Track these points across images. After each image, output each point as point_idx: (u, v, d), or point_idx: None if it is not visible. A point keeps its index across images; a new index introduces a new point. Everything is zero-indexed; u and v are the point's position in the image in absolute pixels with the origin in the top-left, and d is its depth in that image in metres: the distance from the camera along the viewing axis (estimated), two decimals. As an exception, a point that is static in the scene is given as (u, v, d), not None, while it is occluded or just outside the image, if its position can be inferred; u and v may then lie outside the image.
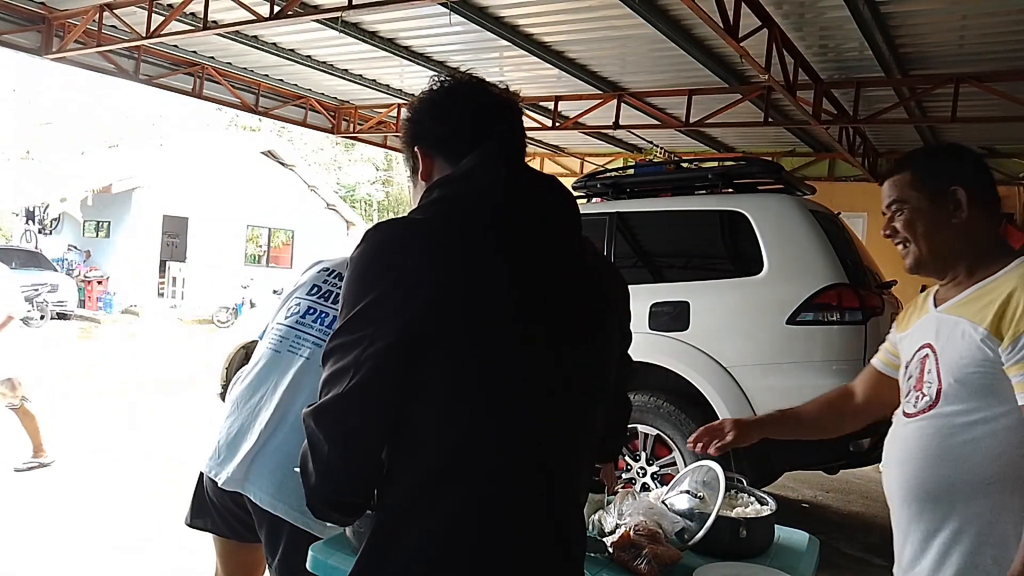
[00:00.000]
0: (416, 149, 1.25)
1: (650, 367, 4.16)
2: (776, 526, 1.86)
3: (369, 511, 1.14)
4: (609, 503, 1.87)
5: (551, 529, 1.14)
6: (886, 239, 1.61)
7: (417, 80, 8.32)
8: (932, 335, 1.51)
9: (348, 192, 30.74)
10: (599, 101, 8.11)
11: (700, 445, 1.83)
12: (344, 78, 8.41)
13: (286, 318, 2.01)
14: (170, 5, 6.50)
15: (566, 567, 1.18)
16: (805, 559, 1.81)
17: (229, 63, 8.47)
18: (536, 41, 6.59)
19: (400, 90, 8.94)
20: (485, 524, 1.08)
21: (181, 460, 5.37)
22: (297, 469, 1.13)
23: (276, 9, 5.85)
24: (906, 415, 1.54)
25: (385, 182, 32.83)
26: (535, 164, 11.07)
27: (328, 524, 1.58)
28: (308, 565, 1.58)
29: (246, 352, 5.63)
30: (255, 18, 5.97)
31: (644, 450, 4.27)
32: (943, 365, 1.46)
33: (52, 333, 13.26)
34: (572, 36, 6.48)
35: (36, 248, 17.35)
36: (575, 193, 4.83)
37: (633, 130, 8.81)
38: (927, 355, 1.51)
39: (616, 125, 8.19)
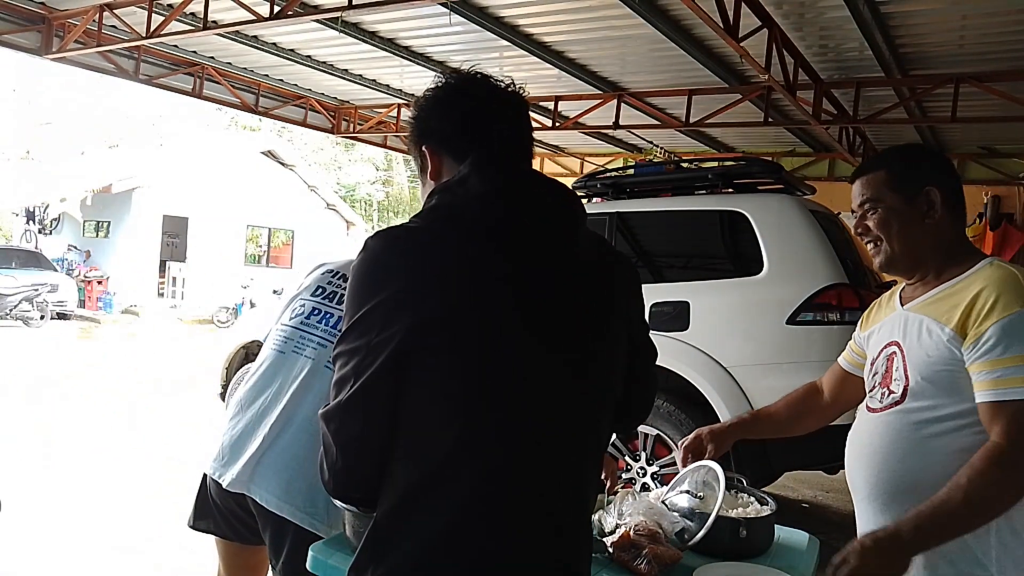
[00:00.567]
0: (423, 148, 1.25)
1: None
2: (776, 526, 1.86)
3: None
4: (609, 503, 1.87)
5: (552, 530, 1.14)
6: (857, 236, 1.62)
7: (417, 80, 8.32)
8: (899, 333, 1.53)
9: (348, 192, 30.74)
10: (599, 101, 8.12)
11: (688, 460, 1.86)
12: (344, 78, 8.41)
13: (290, 319, 2.01)
14: (170, 5, 6.50)
15: (567, 567, 1.18)
16: (805, 559, 1.81)
17: (229, 63, 8.47)
18: (536, 41, 6.59)
19: (400, 90, 8.94)
20: (484, 524, 1.08)
21: (181, 460, 5.38)
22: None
23: (276, 9, 5.86)
24: (871, 410, 1.57)
25: (385, 182, 32.83)
26: (535, 164, 11.05)
27: (337, 523, 1.61)
28: (308, 565, 1.58)
29: (246, 352, 5.62)
30: (255, 18, 5.97)
31: (644, 450, 4.27)
32: (910, 363, 1.48)
33: (52, 333, 13.26)
34: (572, 36, 6.48)
35: (36, 248, 17.36)
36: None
37: (633, 130, 8.81)
38: (894, 352, 1.53)
39: (616, 125, 8.20)
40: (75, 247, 18.63)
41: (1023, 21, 5.33)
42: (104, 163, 20.72)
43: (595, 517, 1.82)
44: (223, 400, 5.61)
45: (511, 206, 1.15)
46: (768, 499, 1.89)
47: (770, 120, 7.64)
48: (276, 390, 1.89)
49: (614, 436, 2.27)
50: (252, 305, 15.32)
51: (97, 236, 18.82)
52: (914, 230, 1.52)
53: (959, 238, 1.55)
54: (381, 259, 1.09)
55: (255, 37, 7.26)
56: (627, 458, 4.31)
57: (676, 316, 4.17)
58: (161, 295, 18.50)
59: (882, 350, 1.58)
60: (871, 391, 1.59)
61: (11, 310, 13.39)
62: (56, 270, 15.94)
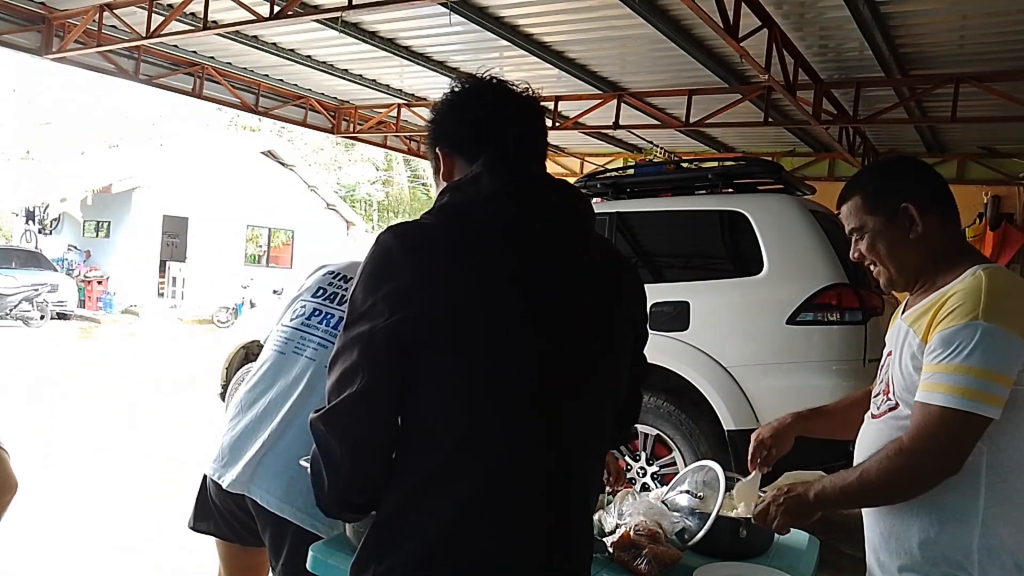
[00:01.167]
0: (438, 150, 1.27)
1: (650, 367, 4.15)
2: (776, 526, 1.86)
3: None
4: (609, 503, 1.87)
5: (554, 531, 1.14)
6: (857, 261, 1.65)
7: (417, 80, 8.32)
8: (894, 343, 1.56)
9: (348, 192, 30.73)
10: (599, 101, 8.11)
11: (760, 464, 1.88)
12: (344, 78, 8.41)
13: (291, 320, 2.01)
14: (170, 5, 6.50)
15: (568, 568, 1.18)
16: (805, 559, 1.81)
17: (229, 63, 8.47)
18: (536, 41, 6.59)
19: (400, 90, 8.94)
20: (486, 524, 1.08)
21: (181, 460, 5.38)
22: (306, 462, 1.15)
23: (276, 9, 5.85)
24: (872, 416, 1.59)
25: (385, 182, 32.82)
26: (535, 164, 11.02)
27: (337, 523, 1.60)
28: (308, 565, 1.58)
29: (246, 352, 5.62)
30: (255, 18, 5.97)
31: (644, 450, 4.27)
32: (895, 373, 1.51)
33: (52, 333, 13.26)
34: (572, 36, 6.48)
35: (36, 248, 17.35)
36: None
37: (633, 130, 8.81)
38: (888, 363, 1.56)
39: (616, 125, 8.19)
40: (75, 247, 18.63)
41: (1023, 21, 5.33)
42: (104, 163, 20.72)
43: (595, 517, 1.82)
44: (223, 400, 5.61)
45: (521, 207, 1.16)
46: (768, 499, 1.89)
47: (770, 120, 7.63)
48: (277, 391, 1.88)
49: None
50: (252, 305, 15.32)
51: (97, 236, 18.82)
52: (902, 248, 1.53)
53: (952, 242, 1.54)
54: (393, 253, 1.09)
55: (255, 37, 7.25)
56: (627, 458, 4.31)
57: (676, 316, 4.17)
58: (161, 295, 18.49)
59: (884, 359, 1.60)
60: (875, 397, 1.61)
61: (11, 310, 13.39)
62: (56, 270, 15.94)
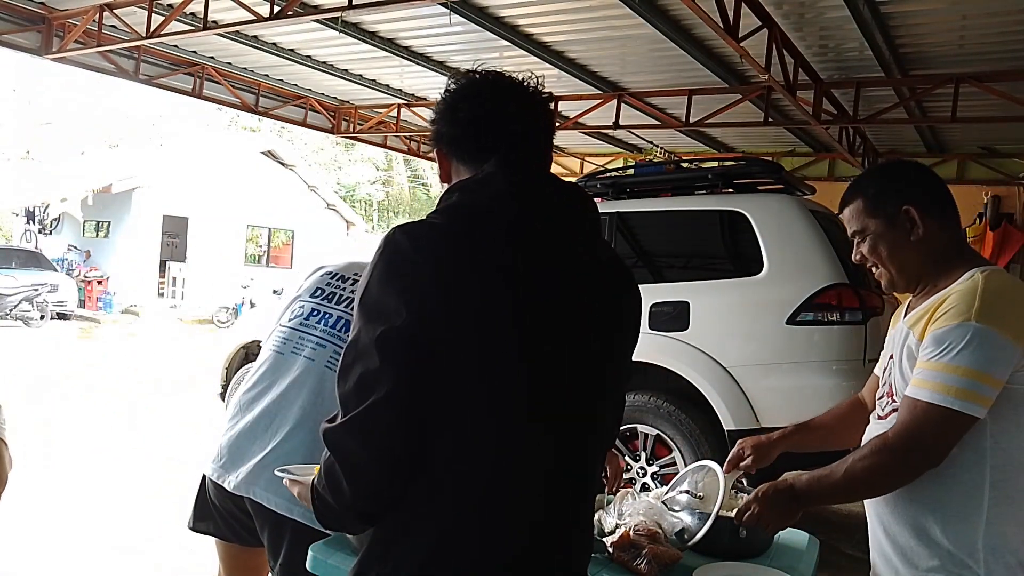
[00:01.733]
0: (436, 151, 1.27)
1: (650, 367, 4.16)
2: (776, 526, 1.86)
3: None
4: (609, 503, 1.87)
5: (555, 533, 1.14)
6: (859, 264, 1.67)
7: (417, 80, 8.32)
8: (895, 346, 1.57)
9: (348, 192, 30.73)
10: (599, 101, 8.11)
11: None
12: (344, 78, 8.41)
13: (289, 320, 2.01)
14: (170, 5, 6.50)
15: (568, 568, 1.18)
16: (805, 559, 1.81)
17: (229, 63, 8.47)
18: (536, 41, 6.59)
19: (400, 90, 8.94)
20: (486, 526, 1.08)
21: (181, 460, 5.38)
22: (282, 472, 1.13)
23: (276, 9, 5.85)
24: (878, 418, 1.60)
25: (385, 182, 32.82)
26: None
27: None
28: (308, 565, 1.58)
29: (246, 352, 5.62)
30: (255, 18, 5.97)
31: (644, 450, 4.27)
32: (896, 376, 1.53)
33: (52, 333, 13.26)
34: (572, 36, 6.48)
35: (36, 248, 17.35)
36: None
37: (633, 130, 8.81)
38: (891, 365, 1.58)
39: (616, 125, 8.19)
40: (75, 247, 18.63)
41: (1023, 21, 5.33)
42: (104, 163, 20.72)
43: (595, 517, 1.82)
44: (223, 400, 5.60)
45: (524, 207, 1.15)
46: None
47: (770, 120, 7.63)
48: (276, 391, 1.88)
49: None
50: (252, 305, 15.31)
51: (97, 236, 18.82)
52: (903, 250, 1.54)
53: (952, 244, 1.55)
54: (405, 252, 1.08)
55: (255, 37, 7.25)
56: (627, 458, 4.31)
57: (676, 316, 4.17)
58: (161, 295, 18.49)
59: (888, 362, 1.61)
60: (879, 399, 1.62)
61: (11, 310, 13.39)
62: (56, 270, 15.94)
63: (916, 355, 1.45)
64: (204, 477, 1.95)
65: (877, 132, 9.12)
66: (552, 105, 1.29)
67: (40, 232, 18.94)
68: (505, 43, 6.47)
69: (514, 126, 1.21)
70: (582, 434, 1.17)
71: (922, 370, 1.41)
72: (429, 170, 28.68)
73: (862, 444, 1.64)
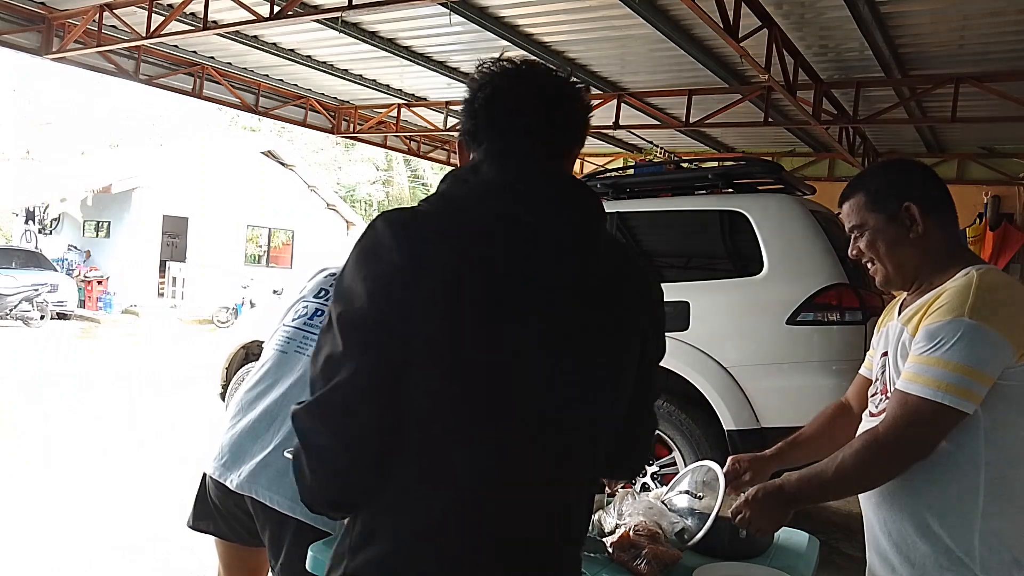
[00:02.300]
0: (458, 143, 1.24)
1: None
2: (776, 526, 1.86)
3: None
4: (609, 503, 1.87)
5: (533, 541, 1.09)
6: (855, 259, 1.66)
7: (417, 80, 8.32)
8: (890, 343, 1.57)
9: (348, 192, 30.72)
10: (599, 101, 8.11)
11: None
12: (344, 78, 8.42)
13: (293, 320, 2.02)
14: (170, 5, 6.50)
15: (546, 570, 1.12)
16: (805, 559, 1.81)
17: (229, 63, 8.48)
18: (536, 41, 6.59)
19: (400, 90, 8.94)
20: (446, 537, 1.04)
21: (181, 460, 5.37)
22: (290, 454, 1.10)
23: (276, 9, 5.86)
24: (871, 415, 1.61)
25: (385, 182, 32.80)
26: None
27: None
28: (308, 565, 1.58)
29: (246, 352, 5.62)
30: (255, 18, 5.97)
31: (644, 450, 4.27)
32: (891, 373, 1.53)
33: (52, 333, 13.26)
34: (572, 36, 6.48)
35: (36, 248, 17.34)
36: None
37: (633, 130, 8.81)
38: (885, 362, 1.58)
39: (616, 125, 8.19)
40: (75, 247, 18.63)
41: (1023, 21, 5.33)
42: (104, 163, 20.72)
43: (595, 517, 1.82)
44: (223, 400, 5.60)
45: (517, 201, 1.10)
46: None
47: (770, 120, 7.64)
48: (279, 390, 1.89)
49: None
50: (252, 305, 15.31)
51: (97, 236, 18.82)
52: (901, 247, 1.55)
53: (949, 244, 1.56)
54: (381, 236, 1.05)
55: (255, 37, 7.26)
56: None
57: (676, 316, 4.17)
58: (161, 295, 18.49)
59: (880, 359, 1.62)
60: (872, 396, 1.63)
61: (11, 310, 13.39)
62: (56, 270, 15.93)
63: (908, 347, 1.47)
64: (204, 476, 1.95)
65: (877, 132, 9.12)
66: (585, 101, 1.22)
67: (40, 232, 18.93)
68: (505, 43, 6.47)
69: (521, 117, 1.15)
70: (567, 439, 1.11)
71: (913, 364, 1.42)
72: (429, 170, 28.69)
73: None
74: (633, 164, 9.29)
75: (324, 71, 8.18)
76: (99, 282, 17.37)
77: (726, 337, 4.13)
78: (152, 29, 6.51)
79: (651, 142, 10.44)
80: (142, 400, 7.76)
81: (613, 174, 5.46)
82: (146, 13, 6.48)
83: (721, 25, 4.87)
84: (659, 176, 5.07)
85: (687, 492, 1.88)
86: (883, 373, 1.58)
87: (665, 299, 1.30)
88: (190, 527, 2.01)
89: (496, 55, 1.20)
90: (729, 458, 1.85)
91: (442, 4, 5.48)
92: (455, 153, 1.28)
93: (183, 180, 18.32)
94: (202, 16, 6.25)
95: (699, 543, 1.70)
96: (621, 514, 1.77)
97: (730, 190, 4.55)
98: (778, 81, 5.80)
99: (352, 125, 10.20)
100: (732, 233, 4.31)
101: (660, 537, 1.69)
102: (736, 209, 4.25)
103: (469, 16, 5.93)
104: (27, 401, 7.20)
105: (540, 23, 6.23)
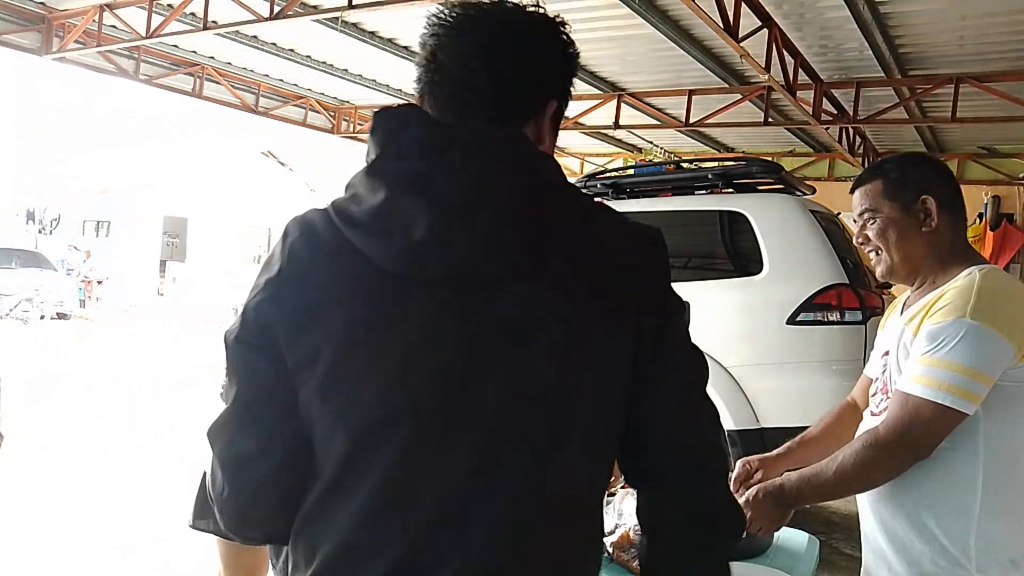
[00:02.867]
0: None
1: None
2: (776, 526, 1.86)
3: None
4: (609, 503, 1.87)
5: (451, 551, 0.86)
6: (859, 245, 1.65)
7: (417, 80, 8.31)
8: (893, 341, 1.56)
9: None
10: (599, 101, 8.12)
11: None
12: (344, 78, 8.42)
13: None
14: (170, 5, 6.50)
15: None
16: (805, 559, 1.81)
17: (229, 63, 8.48)
18: (536, 41, 6.58)
19: (400, 90, 8.94)
20: (367, 554, 0.87)
21: (181, 459, 5.37)
22: None
23: (276, 9, 5.86)
24: (872, 414, 1.60)
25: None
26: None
27: None
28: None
29: (246, 352, 5.62)
30: (255, 18, 5.97)
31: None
32: (894, 371, 1.52)
33: (52, 333, 13.26)
34: (572, 36, 6.47)
35: (36, 248, 17.35)
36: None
37: (633, 130, 8.81)
38: (886, 362, 1.57)
39: (616, 125, 8.20)
40: (75, 247, 18.63)
41: (1023, 21, 5.33)
42: (104, 163, 20.73)
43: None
44: (223, 400, 5.60)
45: (405, 189, 0.86)
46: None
47: (770, 120, 7.64)
48: None
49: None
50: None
51: (97, 236, 18.83)
52: (912, 239, 1.54)
53: (957, 243, 1.56)
54: (278, 242, 0.94)
55: (255, 37, 7.26)
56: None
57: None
58: (161, 295, 18.50)
59: (882, 358, 1.61)
60: (873, 395, 1.62)
61: (11, 310, 13.40)
62: (56, 270, 15.94)
63: (911, 350, 1.46)
64: (204, 475, 1.96)
65: (877, 132, 9.12)
66: (527, 22, 0.97)
67: (40, 232, 18.95)
68: (505, 43, 6.47)
69: (425, 62, 0.98)
70: (489, 457, 0.86)
71: (915, 365, 1.41)
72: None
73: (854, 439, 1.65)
74: (633, 164, 9.30)
75: (324, 71, 8.19)
76: (99, 282, 17.38)
77: (726, 337, 4.13)
78: (152, 29, 6.51)
79: (651, 142, 10.45)
80: (142, 400, 7.76)
81: (613, 174, 5.46)
82: (146, 13, 6.49)
83: (721, 25, 4.87)
84: (659, 176, 5.06)
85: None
86: (884, 372, 1.58)
87: None
88: (190, 526, 2.03)
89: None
90: (739, 461, 1.85)
91: (442, 4, 5.48)
92: None
93: (183, 180, 18.33)
94: (202, 16, 6.26)
95: (699, 543, 1.70)
96: (621, 514, 1.77)
97: (730, 190, 4.55)
98: (778, 81, 5.80)
99: (352, 125, 10.20)
100: (732, 233, 4.31)
101: (660, 537, 1.68)
102: (736, 209, 4.25)
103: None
104: (27, 401, 7.19)
105: (540, 23, 6.23)
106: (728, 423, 3.99)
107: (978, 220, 9.14)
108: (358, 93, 9.24)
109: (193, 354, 11.45)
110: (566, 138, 10.47)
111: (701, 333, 4.26)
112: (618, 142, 10.59)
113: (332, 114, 10.10)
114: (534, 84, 0.97)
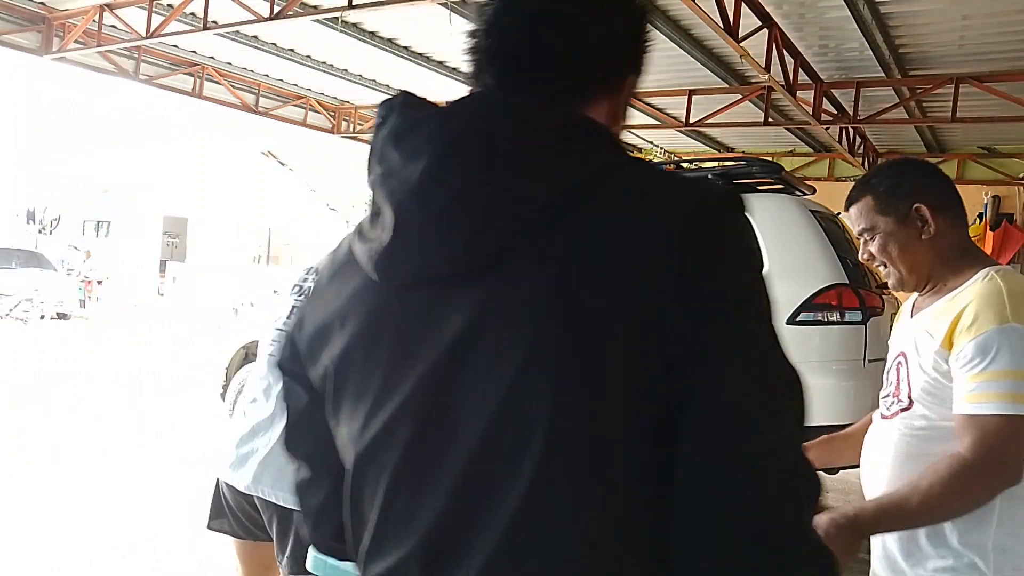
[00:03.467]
0: None
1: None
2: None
3: None
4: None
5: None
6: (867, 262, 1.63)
7: (417, 80, 8.32)
8: (907, 344, 1.55)
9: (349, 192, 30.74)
10: (599, 101, 8.11)
11: None
12: (344, 78, 8.42)
13: (284, 323, 2.13)
14: (170, 5, 6.50)
15: None
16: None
17: (229, 63, 8.48)
18: (536, 41, 6.58)
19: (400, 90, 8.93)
20: None
21: (181, 460, 5.37)
22: None
23: (276, 9, 5.86)
24: (883, 417, 1.58)
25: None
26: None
27: None
28: (308, 565, 1.58)
29: (246, 352, 5.62)
30: (255, 18, 5.97)
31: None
32: (912, 374, 1.50)
33: (52, 333, 13.26)
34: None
35: (36, 248, 17.35)
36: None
37: (633, 130, 8.81)
38: (901, 363, 1.55)
39: (616, 125, 8.18)
40: (75, 247, 18.63)
41: (1023, 21, 5.33)
42: (104, 163, 20.72)
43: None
44: (223, 400, 5.61)
45: (389, 177, 0.77)
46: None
47: (770, 120, 7.64)
48: (275, 391, 1.98)
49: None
50: (252, 305, 15.31)
51: (97, 236, 18.83)
52: (914, 249, 1.52)
53: (961, 243, 1.54)
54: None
55: (255, 37, 7.26)
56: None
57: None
58: (161, 295, 18.50)
59: (894, 360, 1.59)
60: (884, 398, 1.60)
61: (11, 310, 13.40)
62: (56, 270, 15.94)
63: (939, 358, 1.42)
64: (218, 479, 2.08)
65: (877, 132, 9.12)
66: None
67: (40, 232, 18.94)
68: (505, 43, 6.47)
69: (472, 50, 0.84)
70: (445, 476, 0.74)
71: (976, 384, 1.35)
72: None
73: (865, 444, 1.62)
74: (633, 164, 9.28)
75: (324, 71, 8.19)
76: (99, 282, 17.38)
77: (726, 337, 4.12)
78: (152, 29, 6.51)
79: (651, 142, 10.45)
80: (142, 400, 7.76)
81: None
82: (146, 13, 6.49)
83: (721, 25, 4.87)
84: (659, 176, 5.06)
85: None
86: (896, 375, 1.56)
87: None
88: (207, 527, 2.13)
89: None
90: None
91: (442, 4, 5.49)
92: None
93: (183, 180, 18.33)
94: (202, 16, 6.26)
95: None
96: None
97: (730, 190, 4.54)
98: (778, 81, 5.80)
99: (352, 125, 10.20)
100: (732, 233, 4.31)
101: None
102: (736, 209, 4.25)
103: (469, 16, 5.93)
104: (27, 401, 7.19)
105: (540, 23, 6.22)
106: (728, 423, 3.99)
107: (978, 220, 9.14)
108: (358, 93, 9.24)
109: (193, 354, 11.45)
110: (566, 138, 10.47)
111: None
112: (618, 142, 10.59)
113: (332, 114, 10.10)
114: (607, 56, 0.83)
